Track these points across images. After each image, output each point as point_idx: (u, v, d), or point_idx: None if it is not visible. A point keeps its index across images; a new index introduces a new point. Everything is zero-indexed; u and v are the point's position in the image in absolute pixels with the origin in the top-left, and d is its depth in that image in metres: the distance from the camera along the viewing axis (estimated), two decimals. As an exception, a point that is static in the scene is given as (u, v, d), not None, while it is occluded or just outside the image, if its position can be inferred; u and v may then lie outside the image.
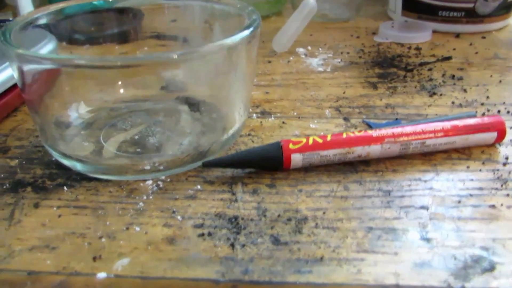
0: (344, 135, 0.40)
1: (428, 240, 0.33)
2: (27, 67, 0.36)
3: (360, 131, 0.41)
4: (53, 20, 0.45)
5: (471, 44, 0.69)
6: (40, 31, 0.45)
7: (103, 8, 0.49)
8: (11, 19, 0.73)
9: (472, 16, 0.72)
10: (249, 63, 0.41)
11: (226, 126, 0.43)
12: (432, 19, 0.73)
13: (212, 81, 0.46)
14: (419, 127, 0.41)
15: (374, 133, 0.41)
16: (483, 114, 0.49)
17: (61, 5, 0.46)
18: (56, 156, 0.41)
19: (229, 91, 0.44)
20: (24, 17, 0.42)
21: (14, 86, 0.49)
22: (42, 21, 0.44)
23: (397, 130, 0.41)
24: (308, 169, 0.41)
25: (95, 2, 0.48)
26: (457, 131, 0.41)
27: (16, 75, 0.38)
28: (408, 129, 0.41)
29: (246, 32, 0.38)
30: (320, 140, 0.40)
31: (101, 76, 0.38)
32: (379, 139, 0.40)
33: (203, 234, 0.34)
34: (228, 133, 0.42)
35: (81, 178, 0.40)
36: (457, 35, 0.72)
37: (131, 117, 0.46)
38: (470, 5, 0.71)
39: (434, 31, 0.72)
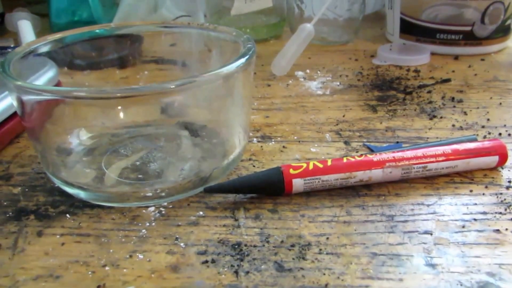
0: (345, 160, 0.40)
1: (433, 266, 0.33)
2: (26, 98, 0.36)
3: (361, 155, 0.41)
4: (54, 48, 0.45)
5: (470, 66, 0.69)
6: (40, 58, 0.45)
7: (103, 35, 0.49)
8: (12, 45, 0.73)
9: (470, 38, 0.72)
10: (246, 88, 0.42)
11: (227, 151, 0.43)
12: (430, 42, 0.74)
13: (210, 106, 0.46)
14: (420, 152, 0.41)
15: (374, 157, 0.41)
16: (484, 137, 0.49)
17: (61, 34, 0.46)
18: (58, 183, 0.40)
19: (227, 116, 0.44)
20: (24, 47, 0.43)
21: (16, 112, 0.49)
22: (43, 49, 0.44)
23: (398, 154, 0.41)
24: (310, 194, 0.41)
25: (97, 31, 0.48)
26: (458, 155, 0.42)
27: (15, 104, 0.38)
28: (409, 153, 0.41)
29: (242, 60, 0.38)
30: (320, 165, 0.40)
31: (101, 103, 0.38)
32: (380, 164, 0.40)
33: (206, 261, 0.34)
34: (229, 159, 0.42)
35: (84, 205, 0.40)
36: (456, 57, 0.73)
37: (132, 142, 0.46)
38: (468, 28, 0.71)
39: (433, 53, 0.73)
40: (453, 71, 0.67)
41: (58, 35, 0.46)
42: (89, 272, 0.33)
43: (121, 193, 0.39)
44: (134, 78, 0.53)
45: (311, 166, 0.39)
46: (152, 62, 0.53)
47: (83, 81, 0.51)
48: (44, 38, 0.45)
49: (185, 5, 0.81)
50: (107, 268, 0.33)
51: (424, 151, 0.41)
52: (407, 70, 0.67)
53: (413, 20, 0.74)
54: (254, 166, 0.45)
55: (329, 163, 0.40)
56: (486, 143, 0.43)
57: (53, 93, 0.35)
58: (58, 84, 0.52)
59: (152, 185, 0.40)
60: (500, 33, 0.73)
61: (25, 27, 0.78)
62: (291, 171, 0.39)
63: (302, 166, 0.40)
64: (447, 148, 0.42)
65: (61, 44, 0.46)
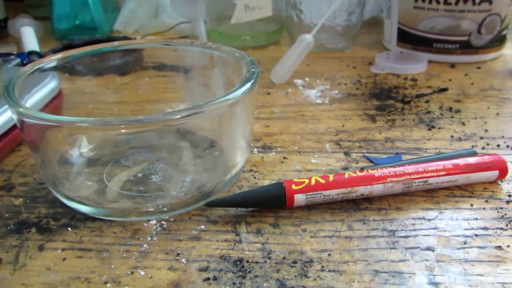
0: (346, 175, 0.40)
1: (436, 284, 0.33)
2: (28, 120, 0.36)
3: (362, 170, 0.41)
4: (58, 64, 0.45)
5: (466, 75, 0.69)
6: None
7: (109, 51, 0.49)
8: (15, 52, 0.73)
9: (466, 47, 0.72)
10: (250, 106, 0.41)
11: (229, 165, 0.43)
12: (427, 51, 0.74)
13: (213, 123, 0.45)
14: (420, 166, 0.41)
15: (376, 172, 0.41)
16: (483, 149, 0.49)
17: (66, 54, 0.46)
18: (60, 197, 0.40)
19: (230, 130, 0.43)
20: (29, 67, 0.42)
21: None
22: (48, 66, 0.44)
23: (399, 169, 0.41)
24: (311, 207, 0.41)
25: (103, 49, 0.48)
26: (458, 170, 0.42)
27: (16, 122, 0.38)
28: (410, 168, 0.41)
29: (248, 85, 0.38)
30: (322, 181, 0.40)
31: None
32: (382, 179, 0.40)
33: (208, 279, 0.33)
34: (231, 173, 0.42)
35: (85, 217, 0.40)
36: (452, 65, 0.73)
37: (134, 153, 0.46)
38: (465, 38, 0.72)
39: (429, 61, 0.73)
40: (450, 80, 0.67)
41: (62, 55, 0.46)
42: (91, 289, 0.33)
43: (123, 208, 0.39)
44: (135, 85, 0.53)
45: (313, 182, 0.39)
46: (154, 69, 0.53)
47: (84, 87, 0.51)
48: (49, 57, 0.45)
49: (186, 12, 0.81)
50: (108, 285, 0.33)
51: (425, 165, 0.41)
52: (405, 79, 0.68)
53: (410, 30, 0.75)
54: (255, 177, 0.45)
55: (331, 178, 0.40)
56: (486, 158, 0.43)
57: (55, 122, 0.35)
58: (59, 93, 0.52)
59: (154, 200, 0.40)
60: (496, 42, 0.73)
61: (28, 33, 0.78)
62: (293, 186, 0.39)
63: (304, 182, 0.39)
64: (448, 163, 0.42)
65: (65, 60, 0.46)
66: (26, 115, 0.35)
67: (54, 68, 0.46)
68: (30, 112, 0.35)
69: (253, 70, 0.41)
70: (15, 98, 0.37)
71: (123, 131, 0.44)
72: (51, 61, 0.45)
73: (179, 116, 0.34)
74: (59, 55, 0.46)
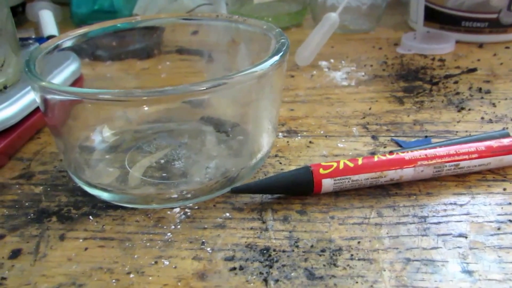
0: (376, 158, 0.39)
1: (469, 272, 0.31)
2: (50, 97, 0.35)
3: (392, 153, 0.40)
4: (77, 42, 0.44)
5: (495, 55, 0.67)
6: (63, 51, 0.44)
7: (126, 28, 0.48)
8: (33, 36, 0.72)
9: (495, 26, 0.70)
10: (278, 84, 0.40)
11: (255, 150, 0.42)
12: (455, 30, 0.72)
13: (237, 102, 0.44)
14: (452, 149, 0.40)
15: (406, 155, 0.39)
16: (515, 131, 0.47)
17: (85, 29, 0.45)
18: (80, 184, 0.39)
19: (256, 112, 0.42)
20: (48, 43, 0.41)
21: (37, 108, 0.48)
22: (67, 44, 0.43)
23: (430, 152, 0.40)
24: (339, 193, 0.39)
25: (119, 25, 0.47)
26: (491, 152, 0.40)
27: (39, 102, 0.37)
28: (441, 151, 0.40)
29: (276, 58, 0.36)
30: (351, 164, 0.38)
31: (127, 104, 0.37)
32: (412, 162, 0.39)
33: (234, 268, 0.32)
34: (257, 157, 0.40)
35: (107, 206, 0.39)
36: (480, 45, 0.71)
37: (156, 139, 0.45)
38: (494, 16, 0.70)
39: (457, 41, 0.71)
40: (478, 60, 0.66)
41: (81, 31, 0.45)
42: (113, 280, 0.32)
43: (146, 195, 0.38)
44: (155, 69, 0.53)
45: (341, 166, 0.38)
46: (175, 52, 0.52)
47: (105, 72, 0.50)
48: (67, 34, 0.44)
49: (207, -7, 0.80)
50: (131, 275, 0.32)
51: (456, 148, 0.40)
52: (432, 59, 0.66)
53: (438, 8, 0.73)
54: (280, 163, 0.44)
55: (359, 162, 0.39)
56: (519, 139, 0.41)
57: (79, 95, 0.33)
58: (80, 77, 0.51)
59: (177, 186, 0.39)
60: (526, 20, 0.71)
61: (47, 17, 0.77)
62: (321, 171, 0.38)
63: (332, 165, 0.38)
64: (480, 145, 0.40)
65: (85, 38, 0.45)
66: (49, 89, 0.34)
67: (73, 48, 0.45)
68: (53, 86, 0.34)
69: (282, 41, 0.39)
70: (37, 73, 0.36)
71: (146, 108, 0.43)
72: (70, 38, 0.44)
73: (204, 88, 0.33)
74: (78, 31, 0.44)
